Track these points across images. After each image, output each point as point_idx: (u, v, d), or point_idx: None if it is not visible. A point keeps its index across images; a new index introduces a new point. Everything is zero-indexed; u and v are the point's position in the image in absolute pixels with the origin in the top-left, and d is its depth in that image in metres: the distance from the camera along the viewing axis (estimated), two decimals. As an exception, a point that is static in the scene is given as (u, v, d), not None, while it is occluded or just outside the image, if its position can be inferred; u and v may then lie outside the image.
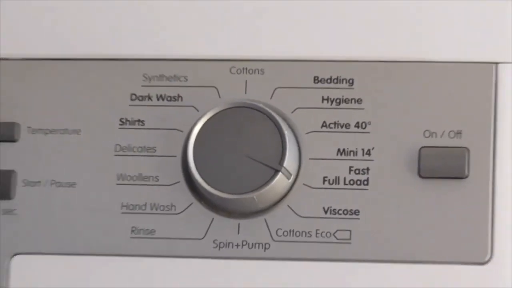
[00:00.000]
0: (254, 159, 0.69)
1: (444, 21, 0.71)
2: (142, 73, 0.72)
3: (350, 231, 0.68)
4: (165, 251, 0.70)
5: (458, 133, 0.68)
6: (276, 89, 0.70)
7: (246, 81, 0.71)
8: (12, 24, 0.76)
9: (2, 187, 0.72)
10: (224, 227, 0.70)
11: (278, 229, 0.69)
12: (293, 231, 0.69)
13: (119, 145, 0.71)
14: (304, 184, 0.69)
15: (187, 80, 0.71)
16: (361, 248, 0.68)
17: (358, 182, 0.69)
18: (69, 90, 0.74)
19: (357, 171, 0.69)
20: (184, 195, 0.70)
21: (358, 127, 0.70)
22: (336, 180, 0.69)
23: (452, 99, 0.69)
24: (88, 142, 0.72)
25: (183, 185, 0.70)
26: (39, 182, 0.72)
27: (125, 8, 0.74)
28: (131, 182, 0.71)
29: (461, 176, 0.67)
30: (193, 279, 0.70)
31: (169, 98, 0.71)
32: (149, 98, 0.72)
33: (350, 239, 0.68)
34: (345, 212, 0.68)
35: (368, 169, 0.69)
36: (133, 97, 0.72)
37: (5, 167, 0.72)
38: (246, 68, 0.71)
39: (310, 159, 0.69)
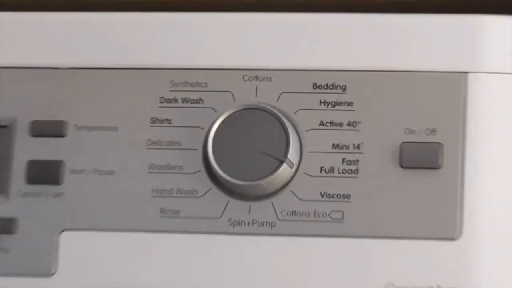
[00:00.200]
0: (263, 151, 0.69)
1: (422, 36, 0.71)
2: (169, 80, 0.73)
3: (342, 212, 0.69)
4: (188, 228, 0.70)
5: (433, 131, 0.69)
6: (281, 93, 0.71)
7: (256, 87, 0.72)
8: (61, 38, 0.75)
9: (53, 175, 0.72)
10: (237, 208, 0.70)
11: (283, 210, 0.70)
12: (295, 212, 0.69)
13: (150, 139, 0.72)
14: (304, 173, 0.70)
15: (207, 86, 0.72)
16: (352, 226, 0.69)
17: (349, 171, 0.69)
18: (109, 94, 0.74)
19: (348, 162, 0.70)
20: (204, 182, 0.71)
21: (349, 125, 0.70)
22: (331, 169, 0.69)
23: (428, 102, 0.70)
24: (124, 137, 0.73)
25: (203, 173, 0.71)
26: (84, 170, 0.72)
27: (155, 25, 0.74)
28: (160, 171, 0.72)
29: (435, 167, 0.68)
30: (211, 251, 0.70)
31: (192, 101, 0.72)
32: (175, 100, 0.72)
33: (342, 219, 0.69)
34: (338, 196, 0.69)
35: (358, 160, 0.70)
36: (162, 100, 0.72)
37: (55, 158, 0.73)
38: (257, 76, 0.72)
39: (309, 152, 0.70)
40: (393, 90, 0.71)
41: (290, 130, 0.70)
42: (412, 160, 0.69)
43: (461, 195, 0.68)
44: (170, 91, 0.73)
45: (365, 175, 0.70)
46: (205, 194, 0.71)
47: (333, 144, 0.70)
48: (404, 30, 0.72)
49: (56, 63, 0.75)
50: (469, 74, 0.70)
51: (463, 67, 0.70)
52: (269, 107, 0.70)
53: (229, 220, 0.70)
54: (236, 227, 0.70)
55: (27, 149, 0.74)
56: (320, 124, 0.71)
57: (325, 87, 0.71)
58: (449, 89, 0.70)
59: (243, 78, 0.72)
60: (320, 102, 0.71)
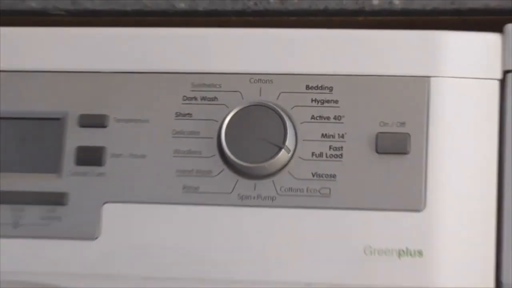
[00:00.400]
0: (266, 139, 0.71)
1: (394, 48, 0.72)
2: (190, 82, 0.74)
3: (329, 188, 0.71)
4: (205, 202, 0.72)
5: (403, 123, 0.71)
6: (280, 93, 0.73)
7: (260, 88, 0.73)
8: (106, 48, 0.76)
9: (97, 158, 0.74)
10: (245, 185, 0.72)
11: (281, 187, 0.71)
12: (291, 188, 0.71)
13: (175, 130, 0.73)
14: (299, 157, 0.72)
15: (220, 87, 0.73)
16: (337, 200, 0.70)
17: (335, 156, 0.71)
18: (142, 93, 0.75)
19: (334, 149, 0.71)
20: (218, 164, 0.72)
21: (335, 119, 0.72)
22: (320, 154, 0.71)
23: (399, 100, 0.71)
24: (154, 128, 0.73)
25: (217, 157, 0.72)
26: (121, 154, 0.73)
27: (180, 38, 0.75)
28: (183, 155, 0.73)
29: (404, 152, 0.70)
30: (223, 220, 0.72)
31: (208, 99, 0.73)
32: (195, 99, 0.73)
33: (329, 194, 0.71)
34: (326, 176, 0.71)
35: (342, 147, 0.71)
36: (184, 98, 0.74)
37: (99, 144, 0.74)
38: (260, 79, 0.73)
39: (303, 140, 0.72)
40: (370, 91, 0.72)
41: (287, 123, 0.71)
42: (385, 147, 0.71)
43: (425, 176, 0.70)
44: (191, 91, 0.74)
45: (348, 159, 0.71)
46: (218, 174, 0.72)
47: (322, 134, 0.72)
48: (380, 43, 0.73)
49: (100, 68, 0.75)
50: (431, 78, 0.71)
51: (427, 73, 0.72)
52: (270, 104, 0.72)
53: (238, 195, 0.72)
54: (243, 201, 0.72)
55: (76, 137, 0.75)
56: (311, 118, 0.72)
57: (316, 88, 0.73)
58: (415, 90, 0.71)
59: (250, 80, 0.74)
60: (312, 100, 0.72)
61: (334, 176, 0.71)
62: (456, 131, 0.72)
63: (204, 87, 0.74)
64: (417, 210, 0.70)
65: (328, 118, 0.72)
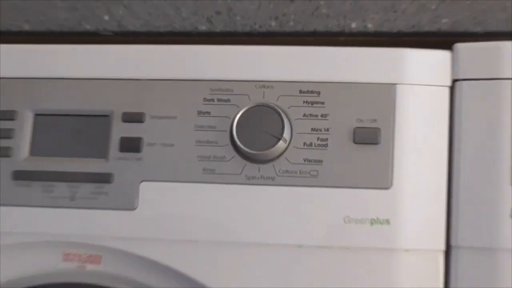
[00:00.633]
0: (267, 132, 0.72)
1: (368, 61, 0.73)
2: (209, 87, 0.75)
3: (317, 171, 0.72)
4: (220, 181, 0.73)
5: (374, 120, 0.72)
6: (279, 96, 0.74)
7: (263, 92, 0.74)
8: (146, 61, 0.77)
9: (135, 146, 0.74)
10: (251, 168, 0.73)
11: (280, 169, 0.72)
12: (287, 170, 0.72)
13: (197, 125, 0.74)
14: (293, 146, 0.73)
15: (232, 91, 0.74)
16: (323, 180, 0.72)
17: (322, 145, 0.72)
18: (172, 95, 0.75)
19: (321, 140, 0.72)
20: (230, 152, 0.73)
21: (322, 116, 0.73)
22: (310, 144, 0.73)
23: (372, 102, 0.72)
24: (181, 122, 0.74)
25: (230, 146, 0.73)
26: (155, 143, 0.74)
27: (201, 53, 0.76)
28: (203, 144, 0.74)
29: (375, 143, 0.72)
30: (234, 196, 0.73)
31: (223, 100, 0.74)
32: (213, 100, 0.74)
33: (317, 175, 0.72)
34: (315, 161, 0.72)
35: (327, 139, 0.72)
36: (204, 99, 0.74)
37: (137, 135, 0.75)
38: (264, 85, 0.74)
39: (297, 133, 0.73)
40: (349, 94, 0.73)
41: (285, 119, 0.72)
42: (361, 139, 0.72)
43: (392, 161, 0.71)
44: (210, 94, 0.75)
45: (332, 148, 0.72)
46: (230, 159, 0.73)
47: (311, 128, 0.73)
48: (357, 57, 0.74)
49: (139, 76, 0.76)
50: (397, 85, 0.72)
51: (394, 81, 0.73)
52: (271, 104, 0.73)
53: (246, 175, 0.73)
54: (250, 180, 0.73)
55: (119, 130, 0.75)
56: (303, 116, 0.73)
57: (307, 92, 0.73)
58: (385, 94, 0.72)
59: (255, 86, 0.74)
60: (303, 102, 0.73)
61: (321, 161, 0.72)
62: (416, 126, 0.72)
63: (220, 91, 0.75)
64: (386, 188, 0.71)
65: (316, 115, 0.73)
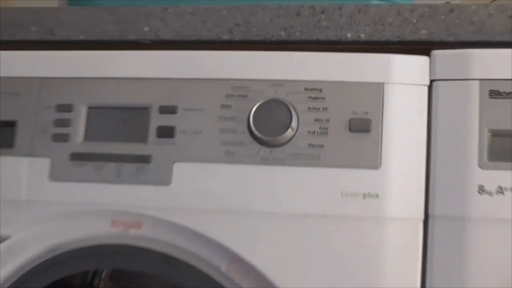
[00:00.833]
0: (279, 122, 0.73)
1: (362, 64, 0.73)
2: (230, 85, 0.75)
3: (319, 154, 0.72)
4: (239, 161, 0.73)
5: (366, 112, 0.72)
6: (288, 93, 0.74)
7: (275, 89, 0.74)
8: (179, 63, 0.77)
9: (169, 133, 0.75)
10: (265, 151, 0.73)
11: (289, 152, 0.73)
12: (294, 153, 0.73)
13: (220, 115, 0.75)
14: (300, 134, 0.73)
15: (250, 88, 0.75)
16: (324, 161, 0.72)
17: (323, 133, 0.73)
18: (200, 92, 0.76)
19: (322, 128, 0.73)
20: (248, 138, 0.74)
21: (323, 109, 0.73)
22: (314, 132, 0.73)
23: (364, 98, 0.73)
24: (207, 114, 0.75)
25: (247, 133, 0.74)
26: (186, 131, 0.75)
27: (224, 57, 0.76)
28: (225, 132, 0.74)
29: (367, 131, 0.72)
30: (250, 174, 0.73)
31: (242, 96, 0.75)
32: (233, 95, 0.75)
33: (319, 157, 0.72)
34: (317, 145, 0.73)
35: (327, 127, 0.73)
36: (226, 95, 0.75)
37: (171, 124, 0.75)
38: (275, 83, 0.74)
39: (302, 123, 0.73)
40: (346, 91, 0.73)
41: (293, 111, 0.73)
42: (355, 128, 0.72)
43: (381, 146, 0.72)
44: (231, 90, 0.75)
45: (331, 135, 0.73)
46: (248, 144, 0.74)
47: (314, 119, 0.73)
48: (352, 61, 0.74)
49: (173, 76, 0.77)
50: (384, 84, 0.73)
51: (382, 80, 0.73)
52: (282, 99, 0.74)
53: (260, 157, 0.74)
54: (264, 161, 0.73)
55: (157, 120, 0.75)
56: (308, 108, 0.74)
57: (311, 89, 0.74)
58: (375, 91, 0.73)
59: (268, 84, 0.75)
60: (308, 97, 0.74)
61: (322, 146, 0.73)
62: (401, 117, 0.73)
63: (239, 88, 0.75)
64: (375, 168, 0.72)
65: (318, 108, 0.74)
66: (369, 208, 0.71)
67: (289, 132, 0.73)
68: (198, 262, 0.75)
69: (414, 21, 0.76)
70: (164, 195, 0.75)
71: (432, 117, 0.73)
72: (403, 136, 0.73)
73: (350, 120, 0.73)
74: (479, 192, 0.70)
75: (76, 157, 0.77)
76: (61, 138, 0.78)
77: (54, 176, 0.77)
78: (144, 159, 0.76)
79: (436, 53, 0.74)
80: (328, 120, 0.74)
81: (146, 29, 0.81)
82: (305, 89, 0.75)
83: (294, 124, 0.73)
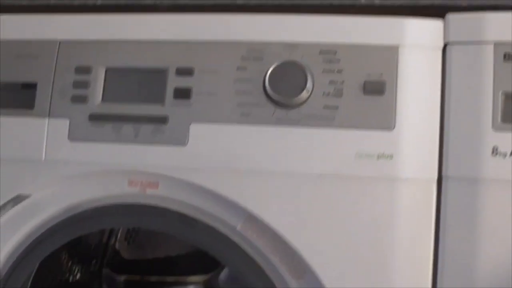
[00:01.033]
0: (294, 84, 0.72)
1: (379, 27, 0.73)
2: (246, 47, 0.74)
3: (334, 115, 0.72)
4: (255, 122, 0.73)
5: (381, 74, 0.72)
6: (303, 55, 0.73)
7: (290, 51, 0.73)
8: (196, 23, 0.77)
9: (186, 94, 0.74)
10: (281, 112, 0.73)
11: (303, 114, 0.72)
12: (309, 114, 0.72)
13: (236, 77, 0.74)
14: (315, 95, 0.73)
15: (265, 50, 0.74)
16: (339, 122, 0.72)
17: (338, 95, 0.72)
18: (215, 54, 0.75)
19: (337, 90, 0.72)
20: (263, 99, 0.73)
21: (338, 72, 0.73)
22: (328, 93, 0.72)
23: (379, 59, 0.72)
24: (223, 76, 0.74)
25: (263, 95, 0.73)
26: (202, 92, 0.74)
27: (239, 19, 0.76)
28: (241, 93, 0.73)
29: (382, 93, 0.71)
30: (266, 134, 0.72)
31: (257, 58, 0.74)
32: (249, 58, 0.74)
33: (334, 119, 0.72)
34: (332, 107, 0.72)
35: (342, 89, 0.72)
36: (242, 57, 0.74)
37: (188, 86, 0.74)
38: (291, 46, 0.73)
39: (318, 84, 0.73)
40: (361, 54, 0.72)
41: (308, 73, 0.72)
42: (370, 90, 0.72)
43: (394, 108, 0.71)
44: (247, 53, 0.75)
45: (346, 97, 0.72)
46: (264, 105, 0.73)
47: (329, 81, 0.73)
48: (367, 24, 0.73)
49: (190, 39, 0.76)
50: (399, 46, 0.72)
51: (397, 43, 0.72)
52: (297, 61, 0.73)
53: (276, 118, 0.73)
54: (279, 122, 0.73)
55: (174, 81, 0.75)
56: (323, 71, 0.73)
57: (326, 52, 0.73)
58: (389, 54, 0.72)
59: (284, 47, 0.74)
60: (323, 60, 0.73)
61: (337, 107, 0.72)
62: (415, 79, 0.72)
63: (255, 51, 0.75)
64: (389, 129, 0.71)
65: (333, 71, 0.73)
66: (382, 169, 0.71)
67: (304, 94, 0.73)
68: (214, 222, 0.75)
69: (428, -15, 0.76)
70: (181, 155, 0.75)
71: (446, 79, 0.73)
72: (417, 98, 0.73)
73: (364, 82, 0.72)
74: (493, 154, 0.69)
75: (95, 118, 0.77)
76: (80, 99, 0.77)
77: (73, 136, 0.77)
78: (161, 120, 0.75)
79: (450, 16, 0.74)
80: (342, 82, 0.73)
81: (163, -6, 0.82)
82: (320, 51, 0.74)
83: (309, 85, 0.73)
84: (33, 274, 0.84)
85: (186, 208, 0.75)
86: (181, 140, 0.75)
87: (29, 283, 0.85)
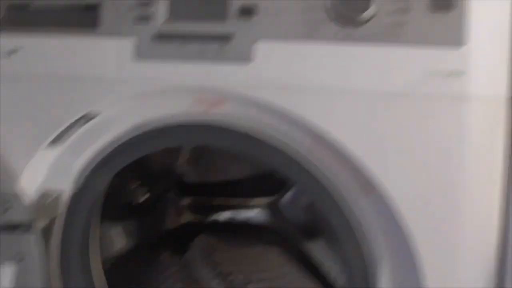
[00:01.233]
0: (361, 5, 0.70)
1: None
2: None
3: (403, 31, 0.69)
4: (322, 40, 0.71)
5: None
6: None
7: None
8: None
9: (251, 11, 0.73)
10: (347, 29, 0.71)
11: (371, 31, 0.70)
12: (378, 31, 0.70)
13: None
14: (382, 12, 0.70)
15: None
16: (408, 38, 0.69)
17: (406, 10, 0.69)
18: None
19: (405, 5, 0.69)
20: (331, 16, 0.71)
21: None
22: (396, 10, 0.70)
23: None
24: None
25: (330, 12, 0.71)
26: (268, 10, 0.73)
27: None
28: (312, 10, 0.72)
29: (452, 8, 0.68)
30: (334, 51, 0.71)
31: None
32: None
33: (402, 35, 0.69)
34: (401, 23, 0.69)
35: (410, 5, 0.69)
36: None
37: (252, 2, 0.73)
38: None
39: (385, 1, 0.70)
40: None
41: None
42: (438, 5, 0.69)
43: (465, 23, 0.69)
44: None
45: (414, 13, 0.70)
46: (331, 23, 0.71)
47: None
48: None
49: None
50: None
51: None
52: None
53: (343, 35, 0.71)
54: (346, 39, 0.71)
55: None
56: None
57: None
58: None
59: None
60: None
61: (405, 23, 0.70)
62: None
63: None
64: (460, 45, 0.69)
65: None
66: (453, 87, 0.69)
67: (371, 10, 0.71)
68: (280, 141, 0.75)
69: None
70: (246, 73, 0.74)
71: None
72: (488, 14, 0.70)
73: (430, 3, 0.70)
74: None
75: (160, 36, 0.76)
76: (145, 18, 0.77)
77: (139, 55, 0.77)
78: (226, 38, 0.75)
79: None
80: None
81: None
82: None
83: (376, 2, 0.71)
84: (102, 193, 0.87)
85: (252, 127, 0.76)
86: (246, 57, 0.74)
87: (100, 200, 0.88)
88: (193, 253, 1.08)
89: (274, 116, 0.74)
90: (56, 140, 0.81)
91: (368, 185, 0.72)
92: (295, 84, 0.73)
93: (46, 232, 0.83)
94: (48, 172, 0.84)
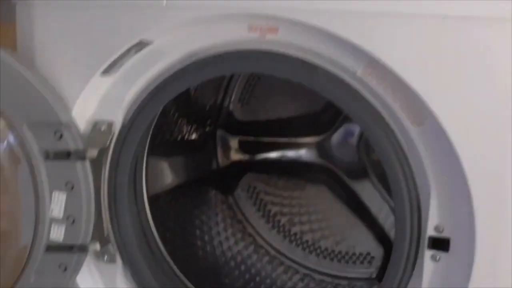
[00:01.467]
0: None
1: None
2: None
3: None
4: None
5: None
6: None
7: None
8: None
9: None
10: None
11: None
12: None
13: None
14: None
15: None
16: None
17: None
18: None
19: None
20: None
21: None
22: None
23: None
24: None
25: None
26: None
27: None
28: None
29: None
30: None
31: None
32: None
33: None
34: None
35: None
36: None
37: None
38: None
39: None
40: None
41: None
42: None
43: None
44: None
45: None
46: None
47: None
48: None
49: None
50: None
51: None
52: None
53: None
54: None
55: None
56: None
57: None
58: None
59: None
60: None
61: None
62: None
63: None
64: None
65: None
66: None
67: None
68: (334, 67, 0.74)
69: None
70: (300, -3, 0.72)
71: None
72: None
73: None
74: None
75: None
76: None
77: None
78: None
79: None
80: None
81: None
82: None
83: None
84: (153, 125, 0.88)
85: (306, 54, 0.75)
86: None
87: (150, 133, 0.88)
88: (240, 192, 1.09)
89: (328, 41, 0.73)
90: (108, 70, 0.82)
91: (420, 114, 0.71)
92: (349, 9, 0.71)
93: (96, 162, 0.84)
94: (100, 102, 0.84)
